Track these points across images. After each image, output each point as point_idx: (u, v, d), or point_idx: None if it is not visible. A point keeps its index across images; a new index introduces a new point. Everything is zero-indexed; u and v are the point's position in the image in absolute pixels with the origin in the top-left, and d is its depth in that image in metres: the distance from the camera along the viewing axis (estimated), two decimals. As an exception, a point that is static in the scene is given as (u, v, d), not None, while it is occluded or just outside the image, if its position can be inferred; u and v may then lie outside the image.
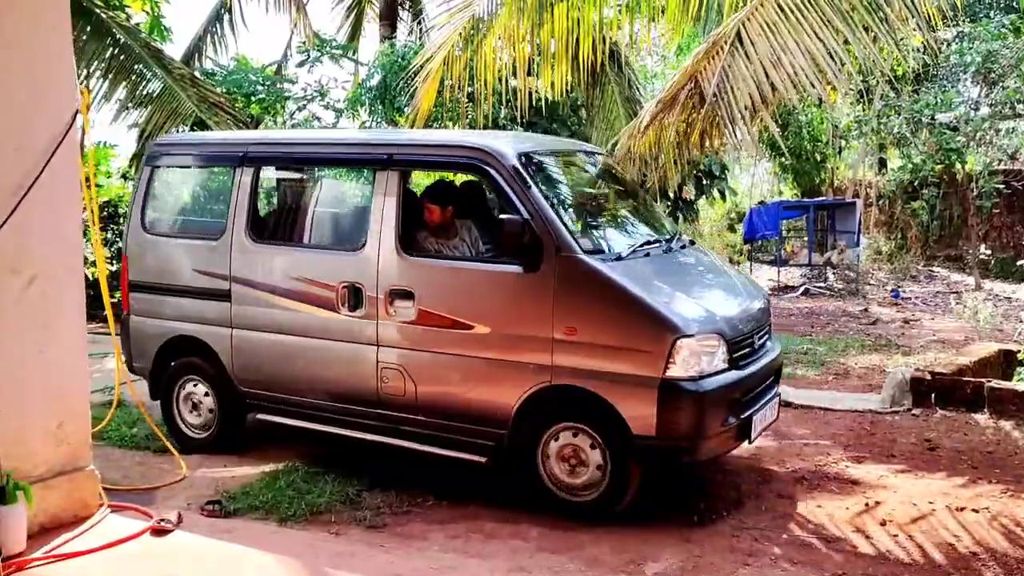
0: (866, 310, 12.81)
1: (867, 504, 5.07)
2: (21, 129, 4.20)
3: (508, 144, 5.35)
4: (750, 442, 5.06)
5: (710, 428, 4.69)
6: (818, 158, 18.68)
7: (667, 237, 5.66)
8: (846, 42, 5.61)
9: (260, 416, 5.84)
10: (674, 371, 4.57)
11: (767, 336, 5.44)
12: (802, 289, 15.13)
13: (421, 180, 6.89)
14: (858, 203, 16.27)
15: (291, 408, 5.66)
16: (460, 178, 6.17)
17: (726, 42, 5.91)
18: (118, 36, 11.55)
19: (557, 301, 4.79)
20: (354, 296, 5.35)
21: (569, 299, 4.79)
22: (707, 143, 7.69)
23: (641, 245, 5.32)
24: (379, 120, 12.34)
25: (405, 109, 10.20)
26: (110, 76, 11.41)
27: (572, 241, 4.82)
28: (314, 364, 5.58)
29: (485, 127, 12.90)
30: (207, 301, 5.82)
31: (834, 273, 15.16)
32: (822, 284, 14.92)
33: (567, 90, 13.06)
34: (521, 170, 5.00)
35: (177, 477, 5.49)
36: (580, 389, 4.77)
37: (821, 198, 17.87)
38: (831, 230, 16.13)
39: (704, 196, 14.25)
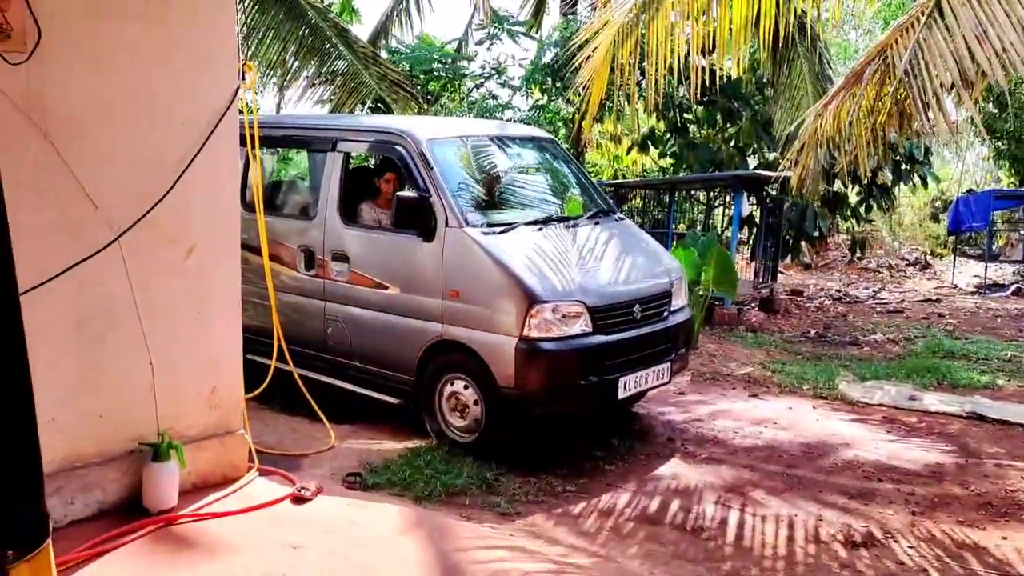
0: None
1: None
2: (187, 103, 4.34)
3: (422, 129, 6.07)
4: (617, 401, 5.50)
5: (563, 384, 5.30)
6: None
7: (589, 214, 6.29)
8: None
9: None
10: (530, 332, 5.20)
11: (662, 308, 5.89)
12: (1013, 288, 13.79)
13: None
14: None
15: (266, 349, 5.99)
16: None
17: (923, 13, 5.30)
18: (310, 17, 11.99)
19: (445, 267, 5.55)
20: (308, 258, 6.23)
21: (454, 266, 5.52)
22: (892, 126, 7.05)
23: (536, 221, 5.89)
24: (553, 98, 12.21)
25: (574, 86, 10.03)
26: (301, 55, 11.88)
27: (459, 215, 5.56)
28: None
29: (658, 107, 12.52)
30: None
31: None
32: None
33: (752, 67, 12.46)
34: (426, 153, 5.76)
35: (326, 446, 5.61)
36: (462, 345, 5.45)
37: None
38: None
39: (903, 182, 13.13)
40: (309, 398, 5.88)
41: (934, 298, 13.47)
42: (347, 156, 6.31)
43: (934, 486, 5.22)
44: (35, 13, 3.60)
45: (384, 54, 15.07)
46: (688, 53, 7.66)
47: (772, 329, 10.47)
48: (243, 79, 5.14)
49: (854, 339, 10.00)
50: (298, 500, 4.47)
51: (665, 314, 5.96)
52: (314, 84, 11.90)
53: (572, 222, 6.09)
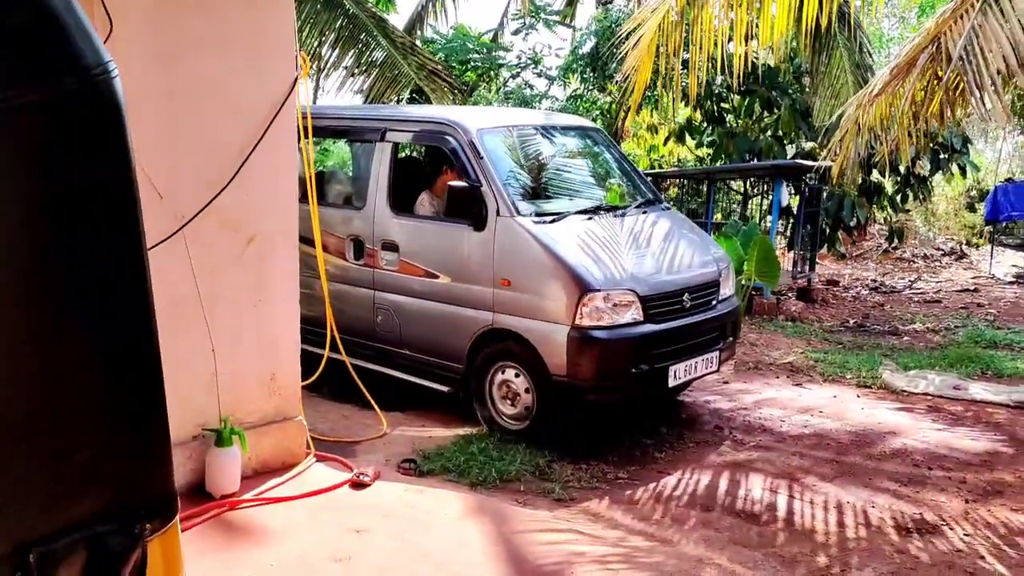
0: None
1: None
2: (247, 92, 4.41)
3: (472, 119, 6.13)
4: (667, 389, 5.56)
5: (614, 372, 5.34)
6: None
7: (637, 203, 6.36)
8: None
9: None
10: (582, 321, 5.22)
11: (711, 297, 5.92)
12: (1053, 277, 13.61)
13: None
14: None
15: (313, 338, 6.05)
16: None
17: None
18: (348, 6, 12.07)
19: (496, 256, 5.59)
20: (357, 247, 6.31)
21: (505, 255, 5.56)
22: (947, 113, 7.00)
23: (586, 210, 5.94)
24: (591, 88, 12.20)
25: (616, 76, 10.02)
26: (339, 45, 11.97)
27: (510, 205, 5.59)
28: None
29: (697, 97, 12.46)
30: None
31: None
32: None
33: (790, 56, 12.38)
34: (476, 142, 5.79)
35: (378, 433, 5.69)
36: (513, 333, 5.49)
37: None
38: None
39: (940, 171, 12.99)
40: (361, 386, 5.96)
41: (972, 288, 13.34)
42: (396, 146, 6.36)
43: (986, 474, 5.21)
44: (106, 6, 3.68)
45: (420, 44, 15.16)
46: (731, 40, 7.64)
47: (811, 319, 10.43)
48: (298, 69, 5.26)
49: (893, 328, 9.95)
50: (357, 486, 4.56)
51: (714, 303, 5.98)
52: (353, 74, 12.02)
53: (621, 211, 6.14)
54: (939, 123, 9.51)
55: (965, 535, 4.37)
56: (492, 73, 13.26)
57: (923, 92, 6.48)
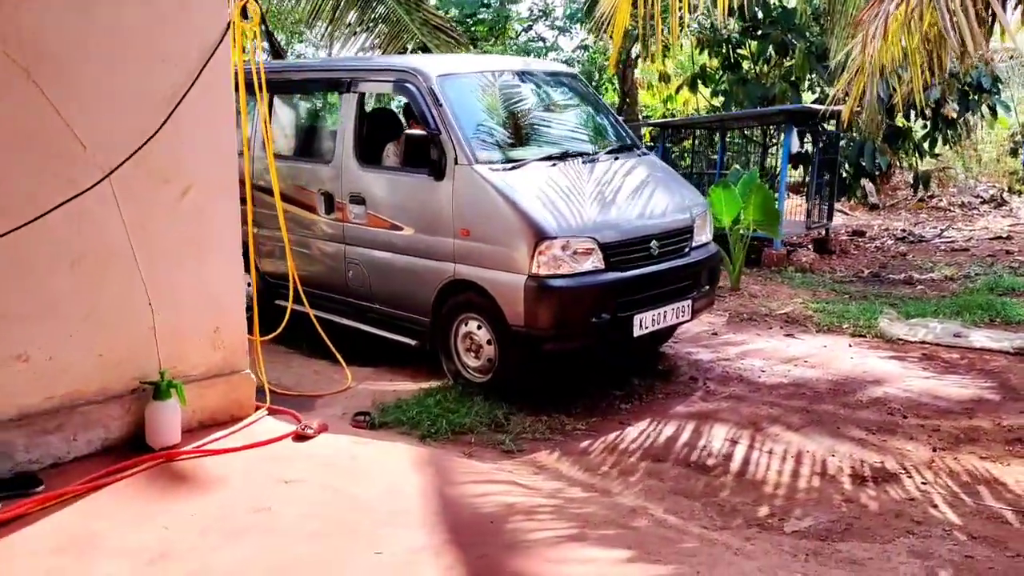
0: None
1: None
2: (171, 38, 4.30)
3: (433, 65, 5.94)
4: (632, 338, 5.36)
5: (572, 322, 5.19)
6: None
7: (609, 149, 6.12)
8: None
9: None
10: (539, 270, 5.08)
11: (682, 244, 5.75)
12: (1091, 223, 13.02)
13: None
14: None
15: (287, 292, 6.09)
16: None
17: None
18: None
19: (455, 206, 5.45)
20: (328, 201, 6.23)
21: (464, 204, 5.42)
22: (947, 50, 6.66)
23: (551, 156, 5.71)
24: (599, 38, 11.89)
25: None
26: (342, 3, 11.84)
27: (469, 152, 5.43)
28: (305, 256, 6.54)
29: (713, 41, 12.08)
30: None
31: None
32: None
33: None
34: (436, 89, 5.63)
35: (342, 387, 5.65)
36: (474, 284, 5.38)
37: None
38: None
39: (970, 113, 12.42)
40: (326, 339, 5.92)
41: (1005, 235, 12.82)
42: (361, 97, 6.23)
43: (963, 422, 4.98)
44: (3, -49, 3.61)
45: (434, 1, 14.95)
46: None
47: (823, 270, 10.12)
48: (245, 17, 5.15)
49: (909, 278, 9.60)
50: (300, 438, 4.51)
51: (686, 250, 5.78)
52: (356, 32, 11.90)
53: (590, 157, 5.92)
54: (959, 60, 9.07)
55: (923, 483, 4.17)
56: (502, 27, 12.97)
57: (935, 27, 6.15)
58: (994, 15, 7.80)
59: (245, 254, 6.71)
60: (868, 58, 7.16)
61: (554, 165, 5.66)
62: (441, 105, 5.59)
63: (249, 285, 5.83)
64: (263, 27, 15.46)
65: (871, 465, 4.39)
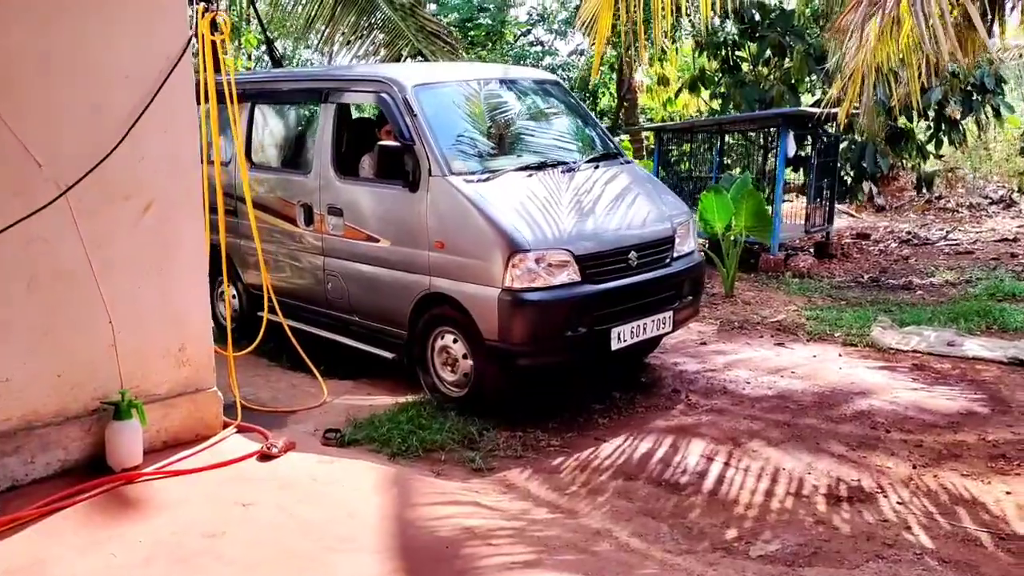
0: None
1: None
2: (129, 55, 4.24)
3: (408, 75, 5.85)
4: (609, 352, 5.23)
5: (547, 336, 5.07)
6: None
7: (589, 158, 6.00)
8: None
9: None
10: (512, 283, 4.97)
11: (663, 255, 5.62)
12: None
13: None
14: None
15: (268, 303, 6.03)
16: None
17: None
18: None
19: (430, 218, 5.35)
20: (307, 213, 6.15)
21: (438, 216, 5.32)
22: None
23: (528, 166, 5.61)
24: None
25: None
26: (338, 9, 11.80)
27: (443, 163, 5.33)
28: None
29: (712, 44, 11.95)
30: (226, 217, 6.32)
31: None
32: None
33: (807, 2, 11.79)
34: (410, 99, 5.54)
35: (317, 402, 5.57)
36: (450, 297, 5.27)
37: None
38: None
39: (973, 114, 12.23)
40: (300, 351, 5.87)
41: (1012, 238, 12.61)
42: (339, 107, 6.15)
43: (947, 436, 4.84)
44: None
45: (433, 6, 14.89)
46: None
47: (822, 275, 9.96)
48: (216, 30, 5.09)
49: (908, 283, 9.43)
50: (265, 457, 4.44)
51: (667, 260, 5.66)
52: (349, 41, 11.84)
53: (568, 167, 5.79)
54: (957, 61, 8.91)
55: (899, 503, 4.04)
56: (500, 32, 12.89)
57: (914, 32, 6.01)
58: (992, 17, 7.72)
59: (230, 267, 6.80)
60: (861, 62, 7.06)
61: (531, 175, 5.57)
62: (415, 115, 5.50)
63: (223, 299, 5.78)
64: (264, 36, 15.52)
65: (847, 484, 4.27)
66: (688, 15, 8.59)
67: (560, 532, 3.76)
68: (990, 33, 8.15)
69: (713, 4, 7.30)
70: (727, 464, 4.57)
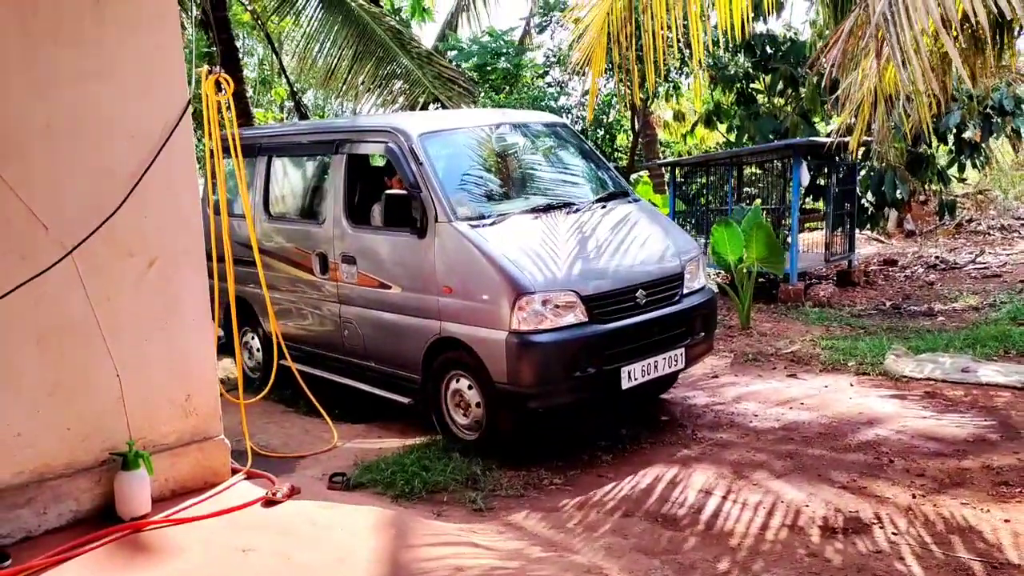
0: None
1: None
2: (133, 118, 4.44)
3: (414, 124, 5.99)
4: (620, 391, 5.26)
5: (556, 377, 5.10)
6: None
7: (596, 197, 6.08)
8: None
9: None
10: (519, 325, 5.03)
11: (672, 292, 5.65)
12: None
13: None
14: None
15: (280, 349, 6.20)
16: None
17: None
18: (365, 22, 12.19)
19: (438, 263, 5.46)
20: (323, 262, 6.33)
21: (446, 262, 5.43)
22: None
23: (534, 209, 5.73)
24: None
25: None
26: (356, 61, 12.14)
27: (449, 209, 5.45)
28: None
29: (726, 77, 12.03)
30: (242, 267, 6.21)
31: None
32: None
33: (821, 30, 11.81)
34: (416, 148, 5.70)
35: (326, 447, 5.68)
36: (459, 341, 5.33)
37: None
38: None
39: (994, 136, 12.13)
40: (310, 395, 5.99)
41: (1042, 259, 12.43)
42: (349, 158, 6.32)
43: (951, 464, 4.80)
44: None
45: (452, 53, 15.20)
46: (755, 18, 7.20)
47: (843, 303, 9.90)
48: (220, 90, 5.31)
49: (929, 309, 9.34)
50: (269, 503, 4.53)
51: (677, 297, 5.69)
52: (369, 89, 12.16)
53: (575, 208, 5.87)
54: (972, 84, 8.90)
55: (894, 534, 4.01)
56: (518, 74, 13.11)
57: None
58: (1002, 41, 7.75)
59: (247, 316, 6.98)
60: (867, 91, 7.11)
61: (537, 217, 5.66)
62: (421, 163, 5.64)
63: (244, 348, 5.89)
64: (289, 89, 15.88)
65: (845, 515, 4.25)
66: (681, 52, 8.70)
67: (552, 571, 3.79)
68: (999, 58, 8.17)
69: (716, 40, 7.43)
70: (725, 498, 4.58)
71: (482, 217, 5.54)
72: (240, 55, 15.31)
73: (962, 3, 4.58)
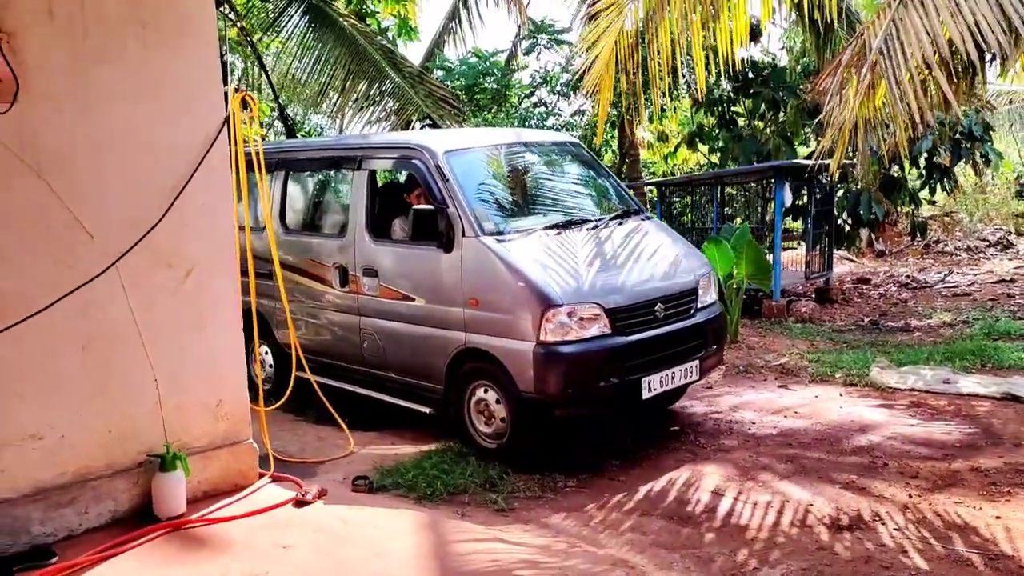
0: None
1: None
2: (174, 134, 4.65)
3: (439, 142, 6.18)
4: (642, 400, 5.45)
5: (581, 387, 5.28)
6: None
7: (613, 214, 6.31)
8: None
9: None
10: (546, 336, 5.22)
11: (688, 306, 5.87)
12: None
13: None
14: None
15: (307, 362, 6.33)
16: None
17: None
18: (358, 42, 12.41)
19: (464, 277, 5.64)
20: (343, 275, 6.47)
21: (472, 275, 5.61)
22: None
23: (556, 225, 5.93)
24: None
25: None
26: (349, 79, 12.35)
27: (475, 224, 5.64)
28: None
29: (709, 100, 12.43)
30: (258, 279, 6.30)
31: None
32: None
33: (799, 56, 12.31)
34: (442, 165, 5.89)
35: (345, 452, 5.87)
36: (485, 352, 5.51)
37: None
38: None
39: (963, 161, 12.65)
40: (328, 405, 6.17)
41: (1009, 279, 12.93)
42: (372, 173, 6.50)
43: (942, 467, 5.12)
44: (13, 65, 3.97)
45: (440, 72, 15.47)
46: (743, 43, 7.54)
47: (823, 319, 10.28)
48: (245, 108, 5.52)
49: (906, 325, 9.74)
50: (300, 504, 4.72)
51: (692, 311, 5.90)
52: (362, 107, 12.37)
53: (593, 224, 6.10)
54: (945, 111, 9.31)
55: (895, 530, 4.31)
56: (505, 94, 13.42)
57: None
58: (972, 72, 8.15)
59: (260, 328, 7.12)
60: (847, 118, 7.47)
61: (559, 233, 5.86)
62: (448, 180, 5.82)
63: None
64: (276, 104, 15.99)
65: (848, 513, 4.54)
66: (684, 76, 9.09)
67: (579, 562, 4.03)
68: (971, 86, 8.61)
69: (707, 65, 7.78)
70: (735, 499, 4.85)
71: (507, 232, 5.72)
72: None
73: (951, 35, 4.92)
